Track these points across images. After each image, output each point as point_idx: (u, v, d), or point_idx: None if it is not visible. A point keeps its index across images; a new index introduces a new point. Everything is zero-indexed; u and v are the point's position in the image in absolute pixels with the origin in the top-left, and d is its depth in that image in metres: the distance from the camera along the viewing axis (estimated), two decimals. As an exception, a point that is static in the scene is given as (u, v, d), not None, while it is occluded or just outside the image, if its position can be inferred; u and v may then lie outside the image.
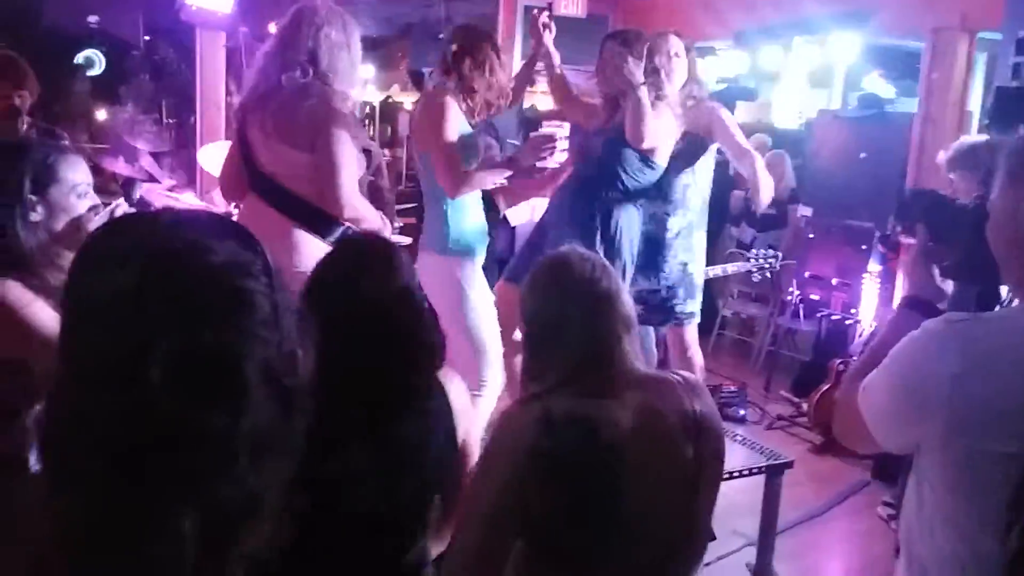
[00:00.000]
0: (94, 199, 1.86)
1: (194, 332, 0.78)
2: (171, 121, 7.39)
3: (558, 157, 2.98)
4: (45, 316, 1.69)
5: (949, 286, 1.54)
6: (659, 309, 3.52)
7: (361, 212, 2.64)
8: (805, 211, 6.03)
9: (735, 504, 3.88)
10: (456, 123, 3.04)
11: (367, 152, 2.96)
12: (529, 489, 1.50)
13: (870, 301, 5.25)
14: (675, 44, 3.44)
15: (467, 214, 3.17)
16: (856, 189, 5.48)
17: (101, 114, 7.61)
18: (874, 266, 5.26)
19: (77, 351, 0.81)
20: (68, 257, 1.44)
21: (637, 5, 6.55)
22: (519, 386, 1.76)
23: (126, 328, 0.77)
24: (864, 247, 5.40)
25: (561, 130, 2.96)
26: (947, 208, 1.63)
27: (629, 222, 3.39)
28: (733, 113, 7.33)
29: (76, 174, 1.83)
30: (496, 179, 3.18)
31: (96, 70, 6.39)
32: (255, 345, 0.80)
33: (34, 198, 1.76)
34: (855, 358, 4.81)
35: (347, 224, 2.63)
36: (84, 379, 0.79)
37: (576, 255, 1.67)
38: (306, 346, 0.88)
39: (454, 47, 3.09)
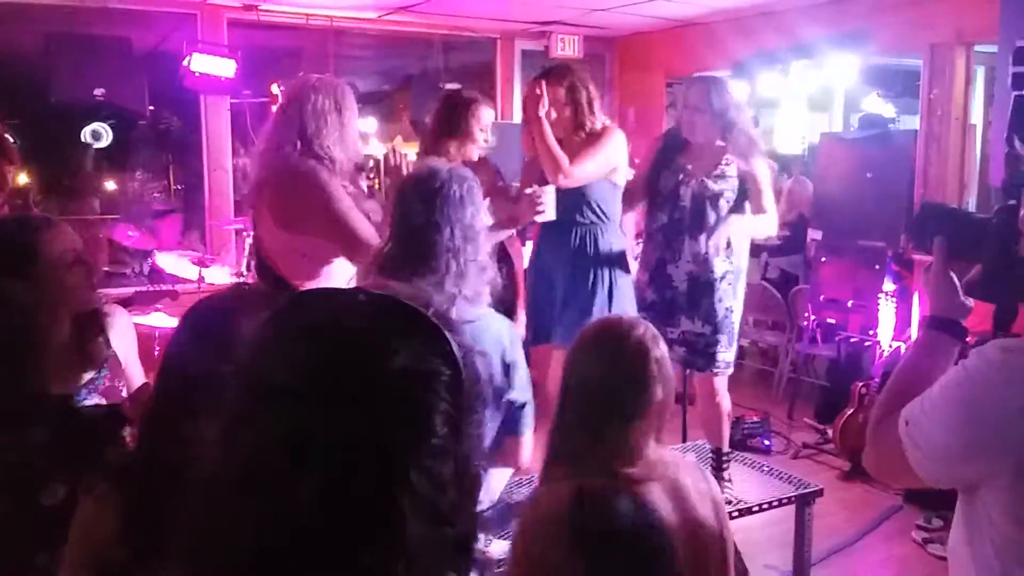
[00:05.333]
0: None
1: (351, 457, 0.68)
2: (179, 187, 7.49)
3: (549, 213, 3.07)
4: None
5: (972, 302, 1.43)
6: (702, 354, 3.37)
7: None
8: (815, 234, 6.01)
9: (765, 537, 3.81)
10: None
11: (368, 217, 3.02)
12: (566, 569, 1.45)
13: (887, 321, 5.19)
14: (682, 96, 3.56)
15: None
16: (865, 210, 5.45)
17: (110, 184, 7.72)
18: (889, 285, 5.21)
19: (227, 442, 0.72)
20: None
21: (634, 42, 6.61)
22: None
23: (283, 428, 0.69)
24: (877, 267, 5.36)
25: (549, 188, 3.09)
26: (967, 221, 1.48)
27: (608, 245, 3.36)
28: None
29: None
30: (502, 237, 3.26)
31: (104, 142, 6.49)
32: (419, 478, 0.70)
33: None
34: (876, 380, 4.75)
35: None
36: (227, 477, 0.70)
37: (630, 323, 1.64)
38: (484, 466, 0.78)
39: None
